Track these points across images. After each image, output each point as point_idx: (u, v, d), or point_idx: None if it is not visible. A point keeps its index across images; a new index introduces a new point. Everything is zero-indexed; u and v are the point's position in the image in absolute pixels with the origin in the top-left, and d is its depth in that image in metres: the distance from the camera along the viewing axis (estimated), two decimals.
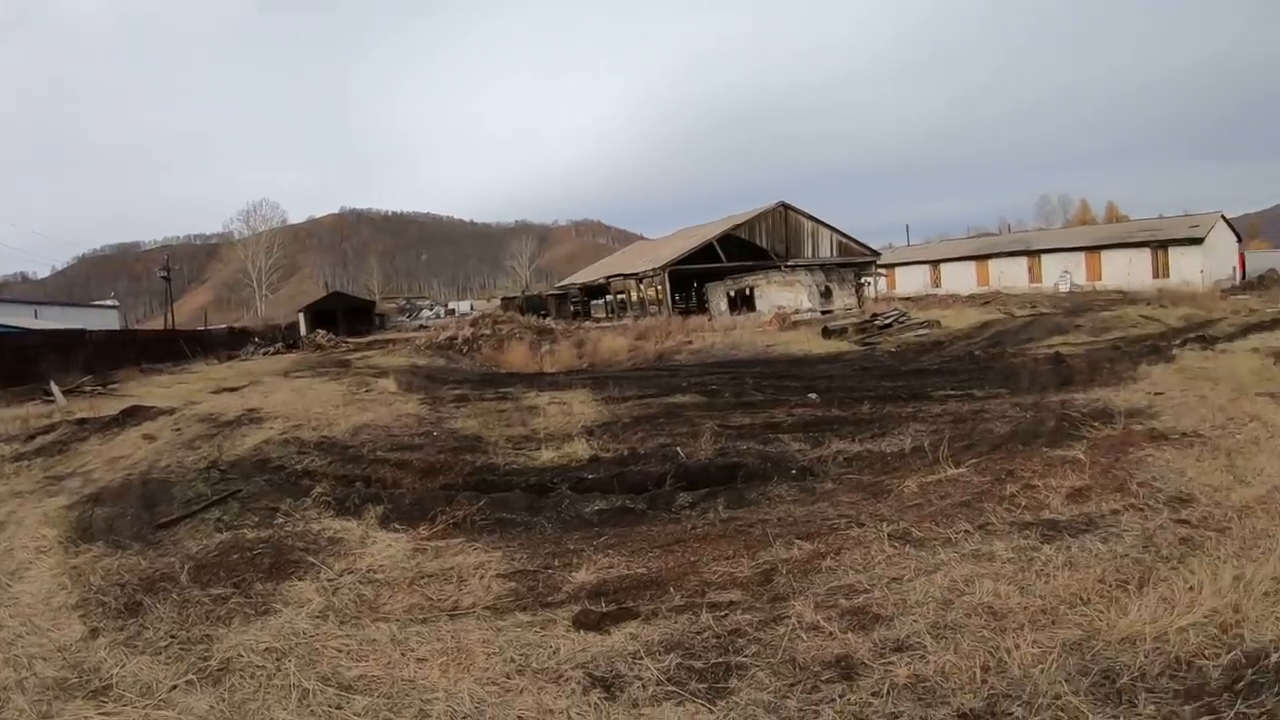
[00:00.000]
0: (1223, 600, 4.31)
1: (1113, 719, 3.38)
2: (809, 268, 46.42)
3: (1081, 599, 4.56)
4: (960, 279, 64.23)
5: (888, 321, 29.61)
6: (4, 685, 4.42)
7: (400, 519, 7.44)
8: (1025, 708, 3.51)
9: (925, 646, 4.15)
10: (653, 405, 13.60)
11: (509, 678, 4.15)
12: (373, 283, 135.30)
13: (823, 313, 41.10)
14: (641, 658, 4.25)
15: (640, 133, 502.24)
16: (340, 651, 4.58)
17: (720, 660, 4.21)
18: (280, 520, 7.62)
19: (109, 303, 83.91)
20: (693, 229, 57.13)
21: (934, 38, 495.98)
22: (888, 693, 3.75)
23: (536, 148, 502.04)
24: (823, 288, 45.07)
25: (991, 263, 63.82)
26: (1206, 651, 3.86)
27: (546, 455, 10.00)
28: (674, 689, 3.93)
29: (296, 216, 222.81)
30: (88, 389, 22.21)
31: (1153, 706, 3.45)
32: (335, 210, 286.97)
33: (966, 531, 5.97)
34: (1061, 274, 57.24)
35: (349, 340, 47.64)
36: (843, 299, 45.47)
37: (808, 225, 49.18)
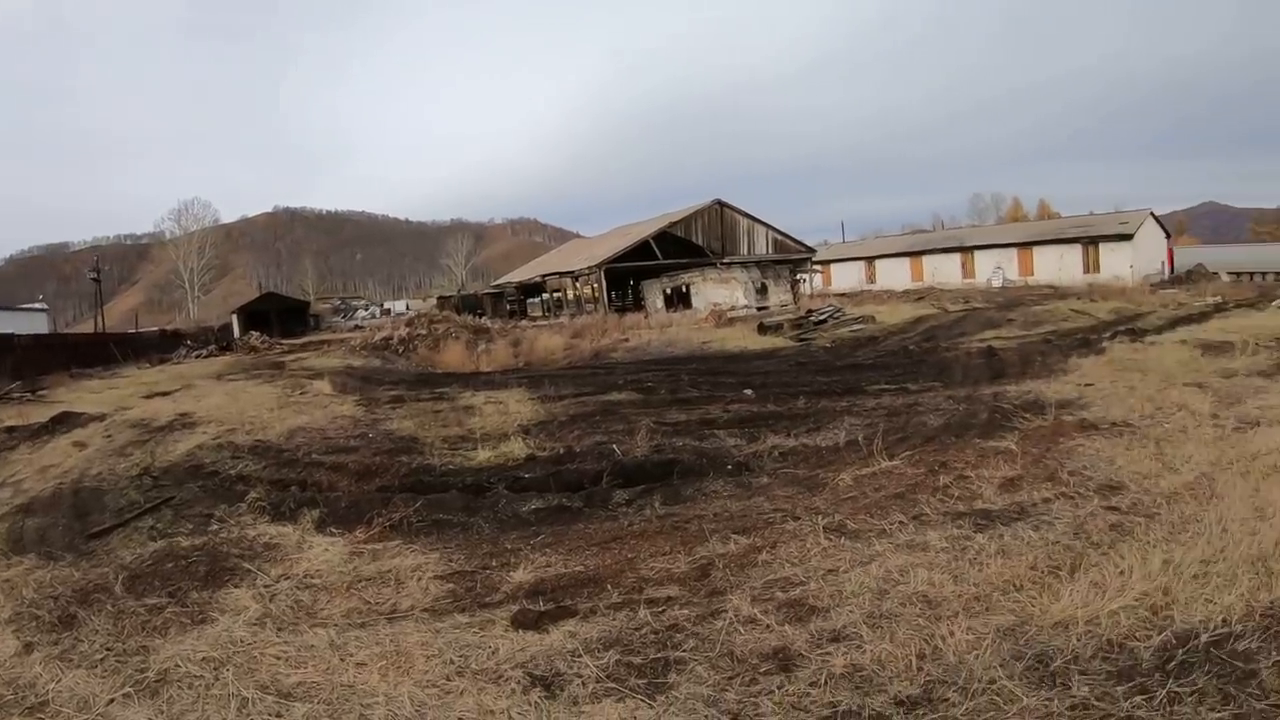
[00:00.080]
0: (1153, 583, 4.45)
1: (1047, 701, 3.45)
2: (745, 265, 46.86)
3: (1014, 586, 4.67)
4: (895, 275, 65.44)
5: (823, 317, 29.96)
6: None
7: (336, 522, 7.42)
8: (961, 693, 3.57)
9: (861, 636, 4.20)
10: (589, 403, 13.65)
11: (449, 679, 4.16)
12: (307, 283, 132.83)
13: (758, 309, 41.52)
14: (580, 655, 4.28)
15: (578, 131, 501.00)
16: (279, 658, 4.55)
17: (659, 655, 4.24)
18: (215, 527, 7.56)
19: (37, 305, 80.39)
20: (629, 227, 57.26)
21: (874, 44, 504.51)
22: (825, 682, 3.79)
23: (474, 146, 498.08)
24: (758, 285, 45.56)
25: (926, 259, 65.15)
26: (1138, 633, 3.98)
27: (483, 455, 10.00)
28: (614, 685, 3.95)
29: (229, 215, 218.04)
30: (15, 396, 21.37)
31: (1086, 688, 3.53)
32: (269, 209, 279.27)
33: (901, 522, 6.09)
34: (994, 270, 58.71)
35: (283, 342, 46.61)
36: (778, 295, 46.01)
37: (744, 223, 49.60)
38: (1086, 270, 53.16)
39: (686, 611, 4.78)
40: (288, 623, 5.12)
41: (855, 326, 28.43)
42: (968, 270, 61.21)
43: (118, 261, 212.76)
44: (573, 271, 49.25)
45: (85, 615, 5.48)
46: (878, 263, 69.19)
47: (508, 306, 58.95)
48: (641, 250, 46.49)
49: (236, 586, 5.87)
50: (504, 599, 5.32)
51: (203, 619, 5.27)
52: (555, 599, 5.20)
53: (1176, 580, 4.48)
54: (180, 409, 15.07)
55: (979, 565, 5.05)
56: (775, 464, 8.71)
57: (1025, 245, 58.70)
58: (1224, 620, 4.01)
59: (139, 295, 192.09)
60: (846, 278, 69.41)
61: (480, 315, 48.70)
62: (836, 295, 52.80)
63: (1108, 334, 19.94)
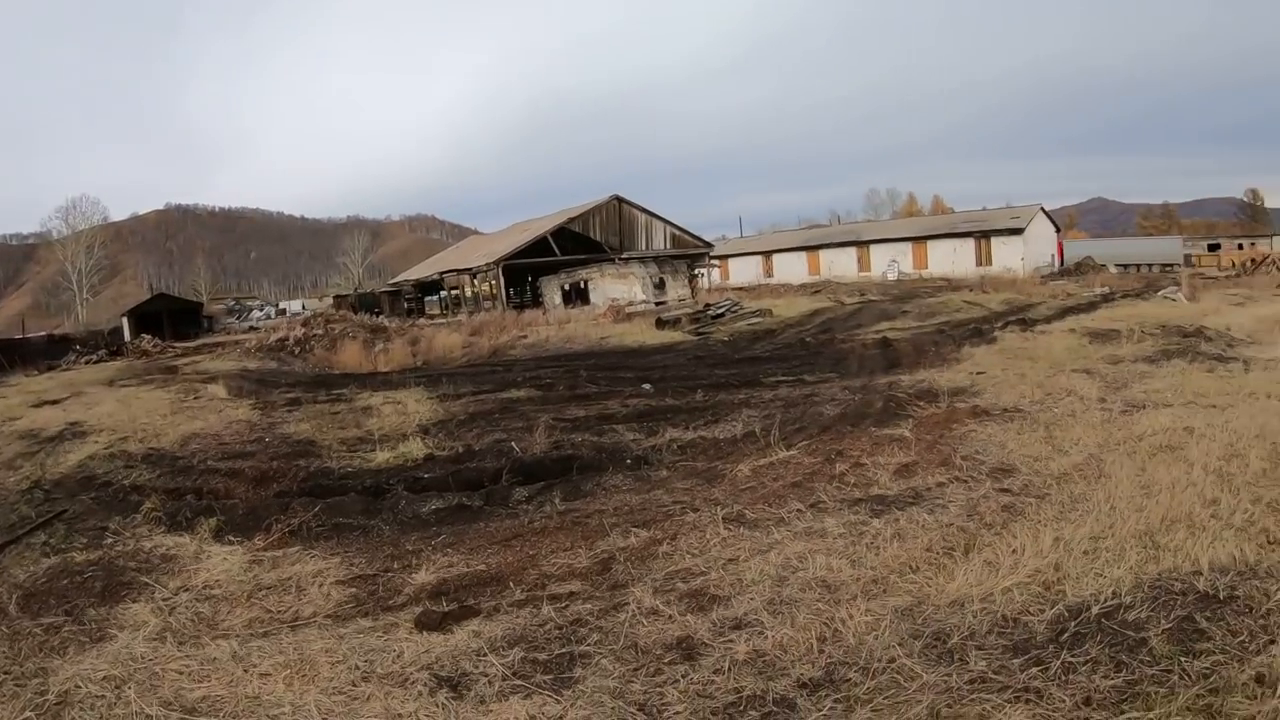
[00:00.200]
0: (1044, 560, 4.67)
1: (945, 677, 3.57)
2: (643, 260, 47.10)
3: (911, 567, 4.84)
4: (792, 269, 66.89)
5: (721, 311, 30.34)
6: None
7: (235, 531, 7.26)
8: (862, 673, 3.67)
9: (763, 623, 4.28)
10: (488, 401, 13.63)
11: (355, 685, 4.11)
12: (200, 283, 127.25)
13: (657, 304, 41.81)
14: (486, 654, 4.28)
15: (475, 128, 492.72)
16: (181, 673, 4.43)
17: (564, 651, 4.27)
18: (110, 540, 7.26)
19: None
20: (527, 223, 56.84)
21: (757, 35, 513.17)
22: (729, 669, 3.85)
23: (369, 142, 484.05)
24: (657, 279, 45.84)
25: (822, 253, 66.82)
26: (1031, 608, 4.17)
27: (382, 456, 9.92)
28: (520, 683, 3.97)
29: (119, 213, 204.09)
30: None
31: (983, 662, 3.67)
32: (160, 207, 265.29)
33: (798, 511, 6.23)
34: (890, 263, 60.65)
35: (176, 345, 44.61)
36: (677, 290, 46.40)
37: (641, 218, 49.84)
38: (979, 263, 55.41)
39: (589, 606, 4.82)
40: (189, 636, 4.98)
41: (753, 320, 28.89)
42: (864, 264, 63.04)
43: (2, 263, 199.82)
44: (471, 269, 48.72)
45: None
46: (775, 257, 70.57)
47: (405, 305, 58.03)
48: (540, 247, 46.27)
49: (135, 601, 5.67)
50: (407, 601, 5.30)
51: (101, 636, 5.07)
52: (458, 599, 5.19)
53: (1067, 557, 4.71)
54: (71, 418, 14.40)
55: (876, 549, 5.21)
56: (674, 457, 8.80)
57: (920, 239, 60.86)
58: (1114, 593, 4.23)
59: (26, 298, 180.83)
60: (744, 272, 70.56)
61: (378, 314, 47.71)
62: (734, 290, 53.62)
63: (999, 324, 20.79)
